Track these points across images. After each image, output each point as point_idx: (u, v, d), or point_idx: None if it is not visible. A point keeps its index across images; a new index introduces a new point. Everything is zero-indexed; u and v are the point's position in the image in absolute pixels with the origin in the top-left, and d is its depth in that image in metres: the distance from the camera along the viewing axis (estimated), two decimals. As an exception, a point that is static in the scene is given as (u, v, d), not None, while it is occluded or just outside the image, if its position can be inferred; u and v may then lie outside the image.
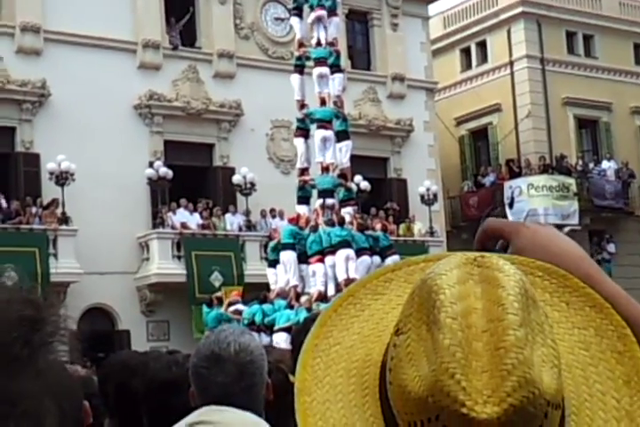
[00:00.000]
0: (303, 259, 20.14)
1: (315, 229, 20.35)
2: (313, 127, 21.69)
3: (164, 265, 26.09)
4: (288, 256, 20.11)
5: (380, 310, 1.23)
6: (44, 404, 0.89)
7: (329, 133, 21.22)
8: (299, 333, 3.19)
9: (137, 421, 3.58)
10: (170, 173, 26.57)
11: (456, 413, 1.02)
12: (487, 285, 1.08)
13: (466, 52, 37.56)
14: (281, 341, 18.47)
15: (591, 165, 35.35)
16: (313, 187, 21.36)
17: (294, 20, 22.87)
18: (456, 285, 1.08)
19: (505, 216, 33.24)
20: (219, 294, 22.54)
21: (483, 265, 1.10)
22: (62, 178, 25.07)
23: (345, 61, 27.75)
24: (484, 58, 36.95)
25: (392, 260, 20.85)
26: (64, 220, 25.07)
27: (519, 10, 35.47)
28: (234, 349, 2.93)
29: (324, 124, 21.26)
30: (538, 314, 1.07)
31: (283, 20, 29.84)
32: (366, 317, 1.23)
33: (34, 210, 24.92)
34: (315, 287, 19.93)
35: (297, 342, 3.13)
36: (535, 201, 32.97)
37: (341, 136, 21.51)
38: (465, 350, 1.04)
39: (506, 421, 1.01)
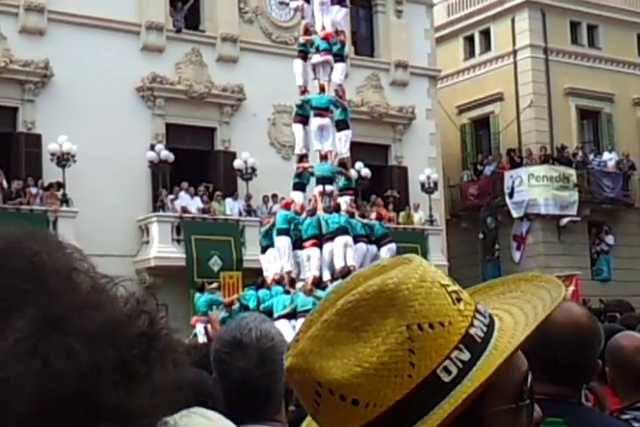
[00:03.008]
0: (298, 245, 20.07)
1: (312, 213, 20.29)
2: (312, 114, 21.61)
3: (164, 249, 26.09)
4: (282, 242, 20.03)
5: None
6: (159, 421, 0.89)
7: (326, 121, 21.09)
8: None
9: None
10: (171, 157, 26.54)
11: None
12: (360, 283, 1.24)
13: (469, 41, 37.50)
14: (282, 328, 18.44)
15: (592, 157, 35.36)
16: (311, 174, 21.27)
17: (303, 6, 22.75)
18: (371, 270, 1.24)
19: (504, 206, 33.30)
20: (214, 285, 22.48)
21: (383, 271, 1.23)
22: (63, 159, 25.05)
23: (348, 48, 27.69)
24: (487, 46, 36.88)
25: (388, 249, 20.85)
26: (65, 201, 25.07)
27: (523, -1, 35.41)
28: (255, 334, 2.94)
29: (320, 111, 21.14)
30: (396, 323, 1.17)
31: (287, 4, 29.57)
32: None
33: (34, 191, 24.90)
34: (310, 272, 19.86)
35: None
36: (535, 191, 32.99)
37: (341, 126, 21.35)
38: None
39: (289, 373, 1.22)
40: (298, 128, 21.68)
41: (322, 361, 1.17)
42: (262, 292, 19.93)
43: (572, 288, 31.26)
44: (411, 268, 1.22)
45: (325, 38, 21.38)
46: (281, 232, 20.11)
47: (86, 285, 0.90)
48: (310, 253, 19.91)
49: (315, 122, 21.13)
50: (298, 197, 21.06)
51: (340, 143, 21.22)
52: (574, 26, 36.51)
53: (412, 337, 1.17)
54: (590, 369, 2.98)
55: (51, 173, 25.16)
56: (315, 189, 21.10)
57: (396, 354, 1.17)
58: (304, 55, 22.04)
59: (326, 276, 19.83)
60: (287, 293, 19.56)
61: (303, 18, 22.62)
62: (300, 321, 18.01)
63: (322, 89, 21.45)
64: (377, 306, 1.18)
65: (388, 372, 1.16)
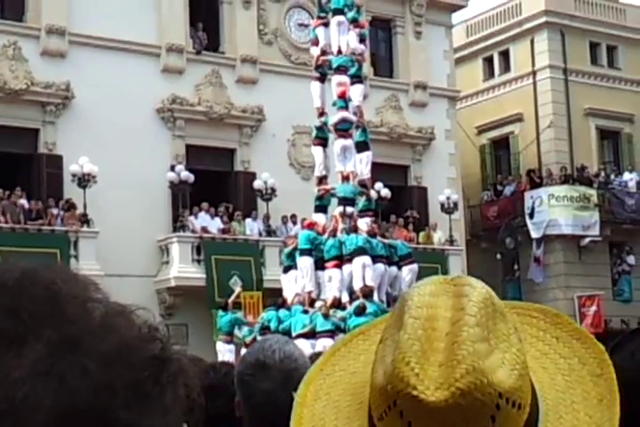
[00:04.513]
0: (320, 265, 20.06)
1: (334, 233, 20.29)
2: (331, 136, 21.59)
3: (184, 269, 26.15)
4: (305, 262, 20.03)
5: None
6: None
7: (349, 142, 21.08)
8: None
9: None
10: (191, 177, 26.64)
11: (408, 396, 1.15)
12: (457, 298, 1.22)
13: (488, 61, 37.53)
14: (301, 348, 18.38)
15: (612, 177, 35.24)
16: (332, 196, 21.26)
17: (319, 30, 22.77)
18: (427, 295, 1.23)
19: (524, 226, 33.19)
20: (232, 298, 22.38)
21: (458, 284, 1.25)
22: (84, 180, 25.18)
23: (367, 68, 27.75)
24: (506, 67, 36.90)
25: (410, 269, 20.79)
26: (85, 221, 25.17)
27: (543, 20, 35.40)
28: (279, 356, 2.94)
29: (343, 132, 21.13)
30: (505, 326, 1.22)
31: (306, 26, 29.87)
32: (374, 350, 1.32)
33: (55, 211, 25.02)
34: (330, 293, 19.85)
35: None
36: (556, 211, 32.88)
37: (361, 147, 21.27)
38: (424, 346, 1.17)
39: (453, 403, 1.14)
40: (317, 151, 21.66)
41: (492, 374, 1.16)
42: (282, 312, 19.92)
43: (593, 308, 31.19)
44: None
45: (341, 96, 21.34)
46: (304, 252, 20.10)
47: (100, 311, 0.94)
48: (332, 273, 19.91)
49: (338, 143, 21.10)
50: (320, 219, 21.05)
51: (361, 164, 21.17)
52: (594, 46, 36.51)
53: (519, 334, 1.25)
54: None
55: (71, 193, 25.28)
56: (335, 210, 21.07)
57: (522, 351, 1.22)
58: (322, 77, 22.06)
59: (345, 297, 19.81)
60: (305, 312, 19.55)
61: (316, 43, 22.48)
62: (322, 341, 18.15)
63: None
64: (488, 313, 1.21)
65: (527, 369, 1.22)
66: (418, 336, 1.19)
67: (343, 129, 21.08)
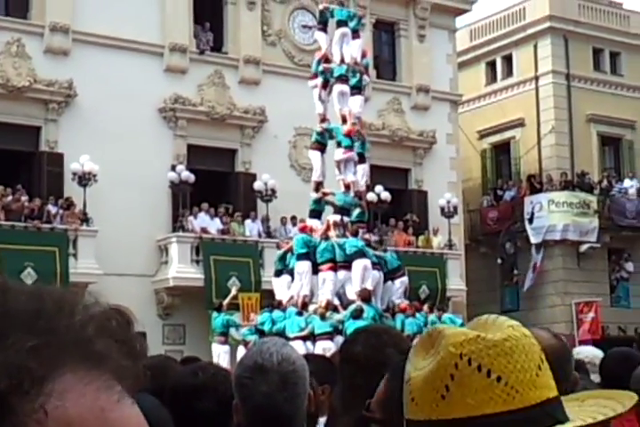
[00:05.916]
0: (313, 269, 19.96)
1: (326, 237, 20.18)
2: (330, 143, 21.52)
3: (183, 269, 26.13)
4: (303, 266, 19.81)
5: None
6: None
7: (352, 155, 21.00)
8: (352, 343, 3.20)
9: None
10: (192, 177, 26.62)
11: None
12: None
13: (491, 66, 37.54)
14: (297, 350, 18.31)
15: (613, 183, 35.24)
16: (327, 203, 21.21)
17: (320, 35, 22.82)
18: None
19: (524, 231, 33.20)
20: (227, 299, 22.23)
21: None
22: (85, 178, 25.17)
23: (370, 71, 27.74)
24: (509, 72, 36.92)
25: (401, 282, 20.76)
26: (85, 220, 25.16)
27: (546, 25, 35.41)
28: (276, 359, 2.94)
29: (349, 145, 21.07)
30: None
31: (310, 27, 29.85)
32: None
33: (54, 210, 25.01)
34: (323, 296, 19.75)
35: (349, 353, 3.14)
36: (555, 217, 32.89)
37: (360, 159, 21.27)
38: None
39: None
40: (315, 155, 21.50)
41: None
42: (276, 313, 19.81)
43: (591, 315, 31.17)
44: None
45: (348, 135, 21.23)
46: (301, 257, 19.91)
47: None
48: (326, 276, 19.81)
49: (338, 153, 21.03)
50: (315, 224, 20.96)
51: (357, 176, 21.14)
52: (597, 53, 36.52)
53: None
54: (571, 383, 3.09)
55: (72, 192, 25.28)
56: (330, 217, 20.93)
57: None
58: (324, 83, 21.99)
59: (336, 301, 19.73)
60: (300, 314, 19.47)
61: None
62: (320, 344, 18.12)
63: (344, 119, 21.30)
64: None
65: None
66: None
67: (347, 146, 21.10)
